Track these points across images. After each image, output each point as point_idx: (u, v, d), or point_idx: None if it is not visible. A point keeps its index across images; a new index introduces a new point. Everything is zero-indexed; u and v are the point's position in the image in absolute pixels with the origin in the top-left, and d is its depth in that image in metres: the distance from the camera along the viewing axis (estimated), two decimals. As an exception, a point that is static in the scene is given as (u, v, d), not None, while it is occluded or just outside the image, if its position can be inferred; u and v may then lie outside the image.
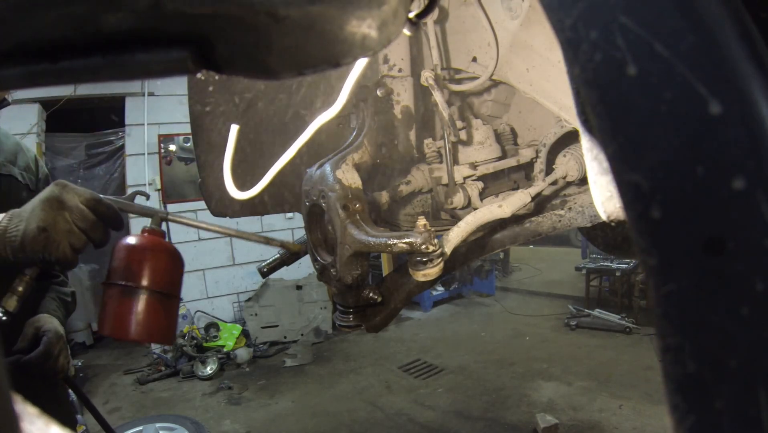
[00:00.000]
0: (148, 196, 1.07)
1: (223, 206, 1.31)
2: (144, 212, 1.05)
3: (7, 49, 0.28)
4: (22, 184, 1.34)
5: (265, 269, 1.19)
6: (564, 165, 1.10)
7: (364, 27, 0.31)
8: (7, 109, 1.35)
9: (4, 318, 0.94)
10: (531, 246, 9.27)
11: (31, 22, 0.27)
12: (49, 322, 1.28)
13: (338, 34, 0.31)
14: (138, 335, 0.97)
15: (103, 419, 1.53)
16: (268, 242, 1.11)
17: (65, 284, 1.48)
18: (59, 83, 0.30)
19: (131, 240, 0.99)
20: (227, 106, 1.21)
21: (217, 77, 1.21)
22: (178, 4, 0.27)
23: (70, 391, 1.50)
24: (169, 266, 1.00)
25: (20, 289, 0.94)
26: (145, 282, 0.95)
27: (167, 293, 0.99)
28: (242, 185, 1.17)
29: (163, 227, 1.06)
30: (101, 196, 0.96)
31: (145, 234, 1.01)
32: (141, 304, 0.95)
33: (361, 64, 0.97)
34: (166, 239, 1.04)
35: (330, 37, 0.31)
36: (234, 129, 1.12)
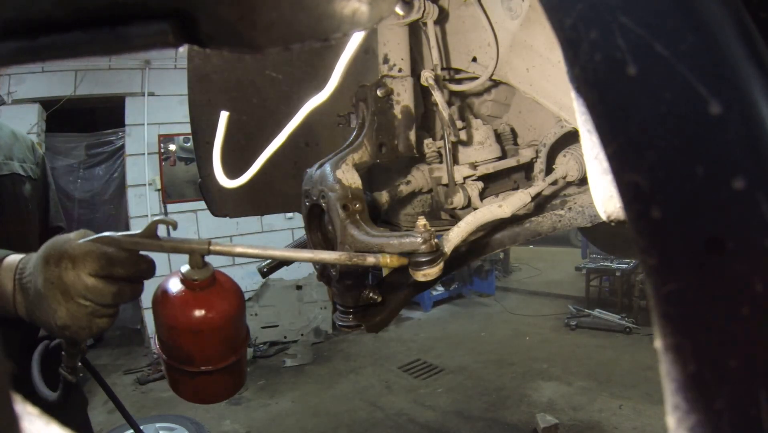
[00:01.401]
0: (174, 225, 0.78)
1: (223, 206, 1.31)
2: (175, 249, 0.76)
3: None
4: (24, 177, 1.35)
5: (265, 269, 1.19)
6: (564, 165, 1.10)
7: (354, 1, 0.30)
8: (7, 109, 1.35)
9: (72, 376, 0.92)
10: (531, 246, 9.27)
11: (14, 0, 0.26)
12: None
13: (326, 7, 0.30)
14: (207, 402, 0.89)
15: (116, 398, 1.54)
16: (356, 264, 0.78)
17: None
18: (39, 60, 0.29)
19: (172, 305, 0.76)
20: (226, 103, 1.21)
21: (218, 79, 1.22)
22: None
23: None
24: (228, 334, 0.79)
25: (71, 350, 0.90)
26: (201, 366, 0.78)
27: (235, 359, 0.82)
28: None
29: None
30: (113, 239, 0.72)
31: (188, 291, 0.76)
32: (203, 382, 0.81)
33: (354, 42, 0.91)
34: (213, 275, 0.79)
35: (318, 10, 0.30)
36: (224, 116, 1.09)
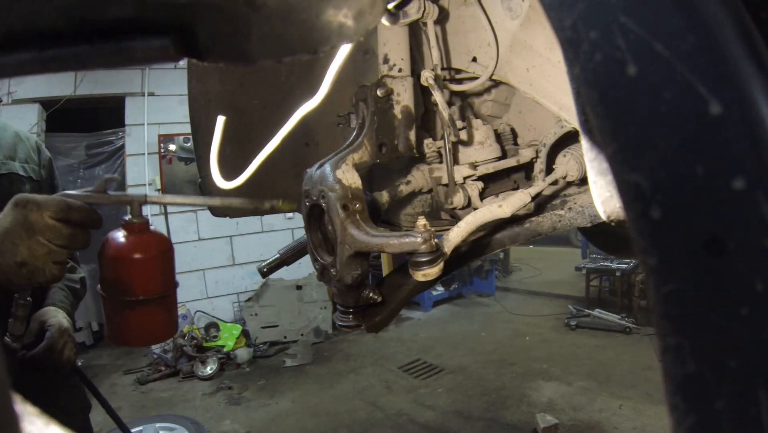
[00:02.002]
0: (119, 181, 0.98)
1: (223, 206, 1.31)
2: (120, 202, 0.95)
3: None
4: (24, 178, 1.35)
5: (265, 269, 1.19)
6: (564, 165, 1.10)
7: (341, 16, 0.32)
8: (7, 109, 1.35)
9: (15, 343, 1.00)
10: (531, 246, 9.27)
11: (20, 11, 0.27)
12: (54, 316, 1.30)
13: (315, 22, 0.32)
14: (143, 342, 1.02)
15: (110, 407, 1.55)
16: (256, 207, 0.98)
17: (75, 269, 1.49)
18: (47, 71, 0.31)
19: (115, 243, 0.92)
20: (226, 104, 1.21)
21: (218, 79, 1.22)
22: None
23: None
24: (160, 266, 0.95)
25: (20, 313, 0.99)
26: (138, 295, 0.92)
27: (162, 295, 0.96)
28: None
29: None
30: (70, 195, 0.88)
31: (128, 232, 0.93)
32: (139, 314, 0.94)
33: (343, 52, 0.98)
34: (150, 226, 0.97)
35: (307, 25, 0.32)
36: (221, 120, 1.13)
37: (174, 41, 0.30)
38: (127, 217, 0.93)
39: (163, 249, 0.96)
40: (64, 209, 0.85)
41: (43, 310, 1.31)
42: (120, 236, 0.93)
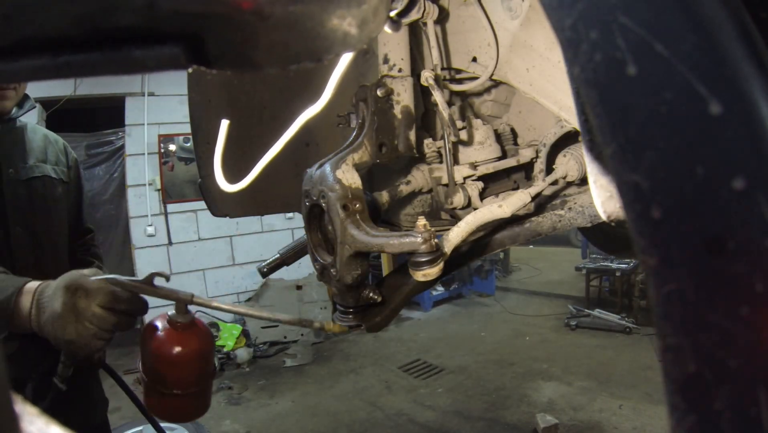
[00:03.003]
0: (168, 278, 1.00)
1: (223, 206, 1.31)
2: (166, 296, 0.98)
3: (10, 45, 0.29)
4: (56, 180, 1.37)
5: (265, 269, 1.19)
6: (564, 165, 1.10)
7: (345, 25, 0.33)
8: (6, 109, 1.35)
9: (62, 385, 1.08)
10: (531, 246, 9.27)
11: (34, 19, 0.28)
12: None
13: (319, 31, 0.32)
14: (174, 420, 1.12)
15: (138, 399, 1.56)
16: (304, 324, 1.05)
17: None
18: (59, 77, 0.31)
19: (157, 336, 0.98)
20: (226, 104, 1.21)
21: (218, 78, 1.22)
22: (172, 3, 0.28)
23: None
24: (198, 365, 1.01)
25: (68, 362, 1.07)
26: (173, 389, 0.98)
27: (200, 389, 1.02)
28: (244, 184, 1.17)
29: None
30: (118, 282, 0.95)
31: (172, 330, 0.98)
32: (173, 402, 1.01)
33: (346, 59, 1.01)
34: (193, 320, 1.01)
35: (312, 34, 0.32)
36: (224, 124, 1.14)
37: (184, 50, 0.31)
38: (171, 312, 1.00)
39: (203, 349, 1.01)
40: (111, 301, 0.93)
41: None
42: (164, 330, 0.98)
